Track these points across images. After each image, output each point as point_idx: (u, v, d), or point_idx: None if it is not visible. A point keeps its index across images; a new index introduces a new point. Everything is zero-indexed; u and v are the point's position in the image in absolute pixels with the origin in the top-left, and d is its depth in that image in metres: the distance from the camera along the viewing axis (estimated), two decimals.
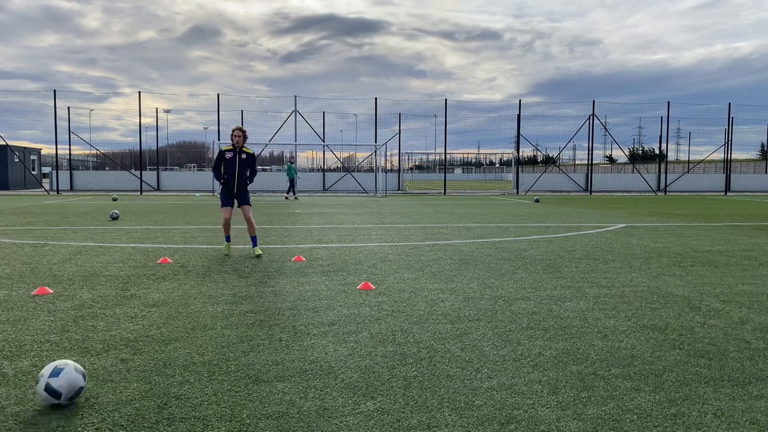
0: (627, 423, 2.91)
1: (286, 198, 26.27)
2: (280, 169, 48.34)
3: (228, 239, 8.42)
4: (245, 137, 8.28)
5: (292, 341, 4.24)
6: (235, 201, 8.49)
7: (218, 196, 8.95)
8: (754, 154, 65.04)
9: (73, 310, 5.11)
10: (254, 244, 8.43)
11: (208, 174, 35.38)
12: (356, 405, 3.11)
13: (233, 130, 8.30)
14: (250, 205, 8.51)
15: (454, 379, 3.49)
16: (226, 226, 8.37)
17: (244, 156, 8.32)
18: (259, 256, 8.16)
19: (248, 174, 8.46)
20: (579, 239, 10.50)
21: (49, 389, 3.01)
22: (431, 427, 2.86)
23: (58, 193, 30.74)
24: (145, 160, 37.74)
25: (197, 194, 28.42)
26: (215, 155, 8.77)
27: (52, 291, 5.83)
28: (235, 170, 8.30)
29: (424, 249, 9.12)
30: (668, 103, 35.12)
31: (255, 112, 45.22)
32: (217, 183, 8.65)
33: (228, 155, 8.30)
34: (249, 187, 8.52)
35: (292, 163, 27.50)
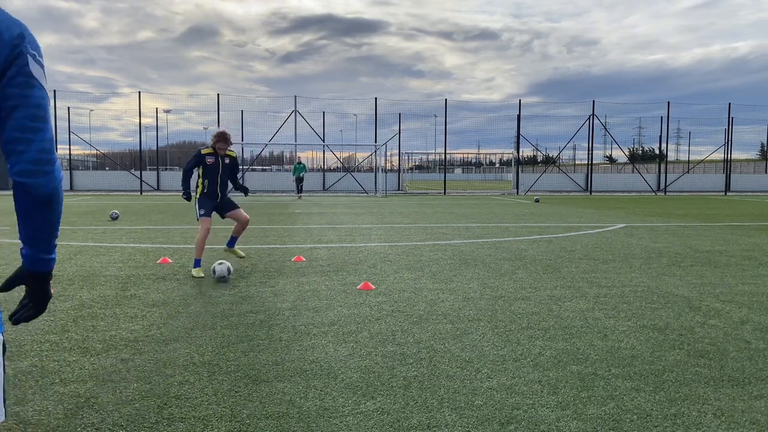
0: (627, 423, 2.91)
1: (299, 197, 26.48)
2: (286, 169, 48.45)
3: (199, 263, 6.91)
4: (230, 144, 7.24)
5: (292, 341, 4.24)
6: (220, 210, 7.33)
7: (184, 199, 7.25)
8: (753, 154, 65.06)
9: (73, 310, 5.11)
10: (232, 244, 7.52)
11: None
12: (356, 405, 3.11)
13: (218, 142, 7.07)
14: (239, 207, 7.46)
15: (454, 379, 3.49)
16: (203, 242, 6.97)
17: (227, 160, 7.21)
18: (242, 257, 7.59)
19: (237, 182, 7.44)
20: (579, 239, 10.50)
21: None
22: (431, 427, 2.86)
23: None
24: (145, 160, 37.75)
25: None
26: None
27: (52, 290, 5.82)
28: (218, 177, 7.15)
29: (424, 249, 9.12)
30: (668, 103, 35.14)
31: (255, 112, 45.10)
32: (189, 188, 7.23)
33: (209, 160, 7.09)
34: (250, 187, 7.60)
35: (300, 163, 27.63)
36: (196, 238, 6.97)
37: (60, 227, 1.58)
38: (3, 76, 1.37)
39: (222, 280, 6.47)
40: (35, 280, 1.57)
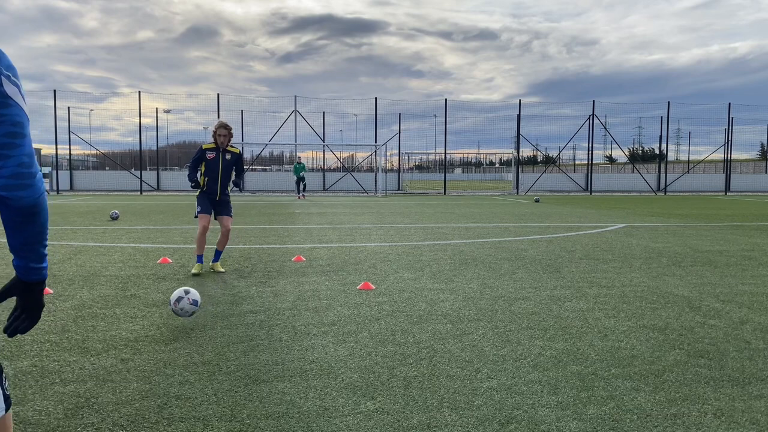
0: (627, 423, 2.91)
1: (302, 197, 26.42)
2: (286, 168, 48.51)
3: (200, 259, 7.01)
4: (231, 135, 7.19)
5: (292, 341, 4.24)
6: (214, 210, 7.25)
7: (193, 188, 7.23)
8: (753, 154, 65.04)
9: (73, 310, 5.11)
10: (217, 258, 7.25)
11: None
12: (356, 405, 3.11)
13: (217, 127, 7.10)
14: (232, 216, 7.32)
15: (454, 379, 3.49)
16: (201, 238, 7.01)
17: (228, 156, 7.14)
18: (221, 272, 7.07)
19: (234, 177, 7.33)
20: (579, 239, 10.50)
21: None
22: (431, 427, 2.86)
23: (57, 193, 30.72)
24: (145, 160, 37.73)
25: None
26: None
27: (52, 291, 5.83)
28: (219, 174, 7.09)
29: (424, 249, 9.12)
30: (668, 103, 35.14)
31: (255, 112, 45.18)
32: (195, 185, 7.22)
33: (209, 155, 7.08)
34: (247, 187, 7.55)
35: (300, 163, 27.64)
36: (196, 234, 7.03)
37: (48, 237, 1.60)
38: None
39: (190, 312, 4.70)
40: (28, 290, 1.62)
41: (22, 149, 1.48)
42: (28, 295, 1.62)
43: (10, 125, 1.46)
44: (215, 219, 7.24)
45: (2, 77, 1.46)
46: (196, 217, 7.16)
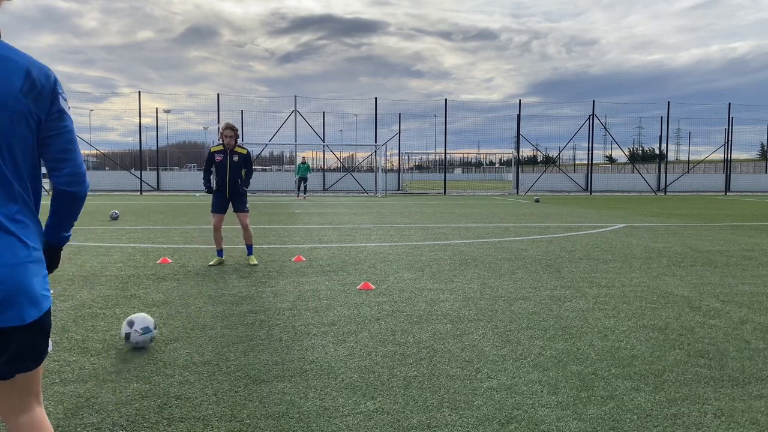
0: (627, 423, 2.91)
1: (303, 197, 26.29)
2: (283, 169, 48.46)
3: (220, 253, 7.62)
4: (237, 136, 7.53)
5: (292, 341, 4.24)
6: (230, 206, 7.77)
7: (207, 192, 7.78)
8: (753, 154, 65.00)
9: (73, 310, 5.11)
10: (249, 252, 7.79)
11: None
12: (356, 405, 3.11)
13: (223, 129, 7.49)
14: (246, 211, 7.78)
15: (454, 379, 3.49)
16: (215, 236, 7.59)
17: (236, 158, 7.50)
18: (254, 265, 7.52)
19: (243, 176, 7.70)
20: (579, 239, 10.50)
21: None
22: (431, 427, 2.86)
23: None
24: (145, 160, 37.72)
25: (197, 194, 28.43)
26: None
27: (52, 291, 5.82)
28: (227, 174, 7.51)
29: (424, 249, 9.12)
30: (668, 103, 35.13)
31: (254, 112, 45.28)
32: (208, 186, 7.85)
33: (218, 157, 7.49)
34: (249, 187, 7.89)
35: (304, 163, 27.56)
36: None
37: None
38: (48, 113, 1.77)
39: (145, 342, 4.03)
40: (56, 253, 2.00)
41: (77, 153, 1.85)
42: (55, 255, 2.00)
43: (69, 133, 1.81)
44: (233, 212, 7.78)
45: (60, 96, 1.76)
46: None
